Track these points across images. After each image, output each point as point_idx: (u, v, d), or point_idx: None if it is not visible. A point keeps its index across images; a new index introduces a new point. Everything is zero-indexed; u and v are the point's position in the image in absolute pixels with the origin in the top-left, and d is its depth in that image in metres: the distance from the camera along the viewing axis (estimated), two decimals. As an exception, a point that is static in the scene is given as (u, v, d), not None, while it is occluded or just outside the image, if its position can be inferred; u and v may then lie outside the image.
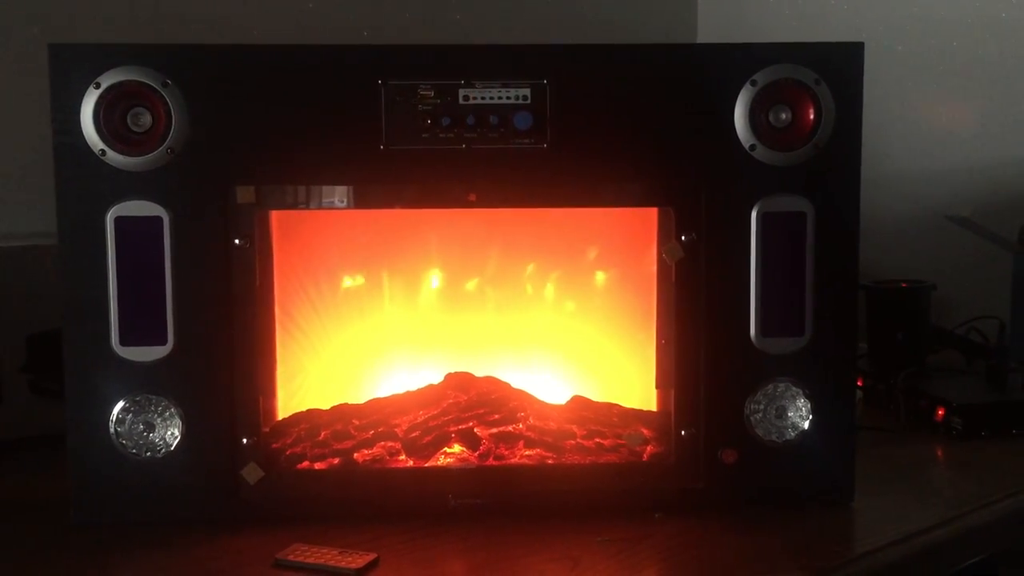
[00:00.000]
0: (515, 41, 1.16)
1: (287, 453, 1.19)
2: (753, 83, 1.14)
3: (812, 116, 1.14)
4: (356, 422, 1.21)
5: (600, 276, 1.31)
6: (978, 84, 1.90)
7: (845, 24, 2.03)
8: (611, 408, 1.25)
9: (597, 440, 1.22)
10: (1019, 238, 1.72)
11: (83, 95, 1.09)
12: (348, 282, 1.30)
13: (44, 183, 1.16)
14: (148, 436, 1.13)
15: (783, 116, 1.15)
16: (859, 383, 1.53)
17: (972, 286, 1.86)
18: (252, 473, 1.15)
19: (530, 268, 1.31)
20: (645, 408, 1.25)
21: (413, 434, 1.20)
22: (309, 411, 1.22)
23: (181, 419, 1.13)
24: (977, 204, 1.86)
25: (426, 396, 1.24)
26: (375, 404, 1.23)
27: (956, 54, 1.92)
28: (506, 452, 1.21)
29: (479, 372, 1.26)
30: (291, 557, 1.04)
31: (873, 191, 1.18)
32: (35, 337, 1.45)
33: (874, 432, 1.47)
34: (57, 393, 1.19)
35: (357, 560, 1.03)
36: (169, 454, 1.13)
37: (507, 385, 1.25)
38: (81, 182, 1.10)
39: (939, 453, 1.44)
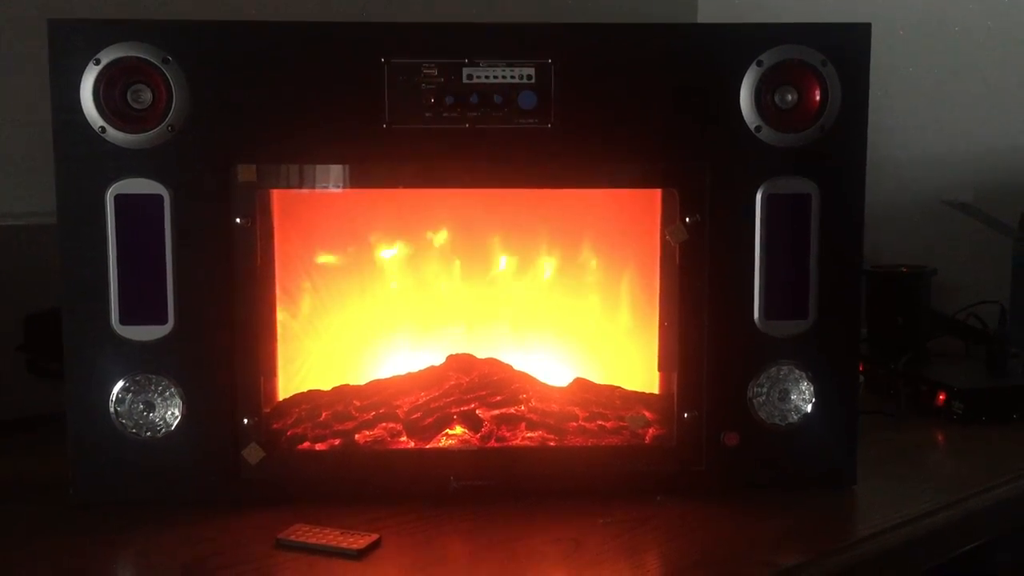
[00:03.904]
0: (511, 20, 1.15)
1: (288, 434, 1.18)
2: (759, 64, 1.13)
3: (818, 98, 1.14)
4: (357, 403, 1.20)
5: (603, 257, 1.30)
6: (979, 68, 1.89)
7: (844, 7, 2.02)
8: (613, 390, 1.24)
9: (599, 422, 1.21)
10: (1019, 224, 1.72)
11: (83, 72, 1.08)
12: (349, 262, 1.29)
13: (40, 161, 1.14)
14: (148, 416, 1.12)
15: (789, 97, 1.14)
16: (859, 368, 1.53)
17: (971, 271, 1.86)
18: (253, 453, 1.14)
19: (532, 249, 1.30)
20: (647, 391, 1.24)
21: (414, 415, 1.20)
22: (310, 392, 1.22)
23: (181, 399, 1.12)
24: (978, 189, 1.86)
25: (428, 377, 1.23)
26: (376, 385, 1.23)
27: (957, 38, 1.91)
28: (508, 434, 1.20)
29: (481, 354, 1.25)
30: (293, 537, 1.03)
31: (874, 175, 1.18)
32: (33, 317, 1.45)
33: (875, 416, 1.47)
34: (55, 373, 1.19)
35: (359, 541, 1.03)
36: (169, 434, 1.13)
37: (509, 367, 1.25)
38: (81, 160, 1.09)
39: (940, 438, 1.44)
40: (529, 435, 1.21)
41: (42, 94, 1.10)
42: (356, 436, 1.19)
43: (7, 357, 1.43)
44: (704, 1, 2.27)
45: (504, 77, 1.12)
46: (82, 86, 1.08)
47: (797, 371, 1.18)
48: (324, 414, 1.19)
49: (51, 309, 1.17)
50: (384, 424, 1.19)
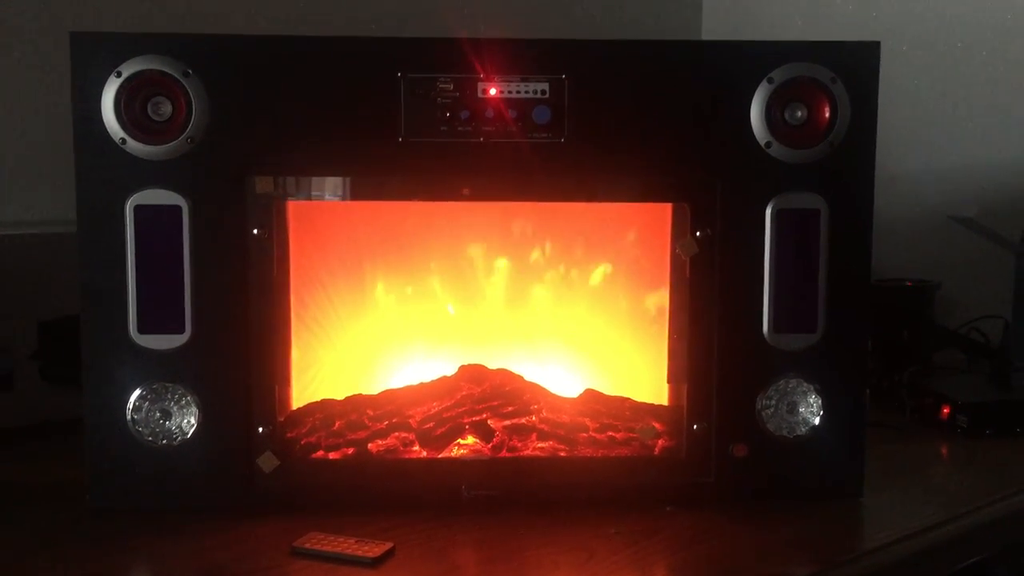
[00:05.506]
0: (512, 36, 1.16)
1: (302, 442, 1.19)
2: (770, 80, 1.15)
3: (828, 114, 1.15)
4: (370, 412, 1.21)
5: (614, 270, 1.32)
6: (983, 85, 1.91)
7: (849, 24, 2.04)
8: (623, 402, 1.25)
9: (609, 433, 1.22)
10: (1023, 239, 1.74)
11: (104, 83, 1.09)
12: (363, 273, 1.30)
13: (55, 171, 1.15)
14: (164, 424, 1.14)
15: (799, 114, 1.15)
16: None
17: (975, 286, 1.87)
18: (267, 462, 1.15)
19: (544, 261, 1.31)
20: (657, 402, 1.25)
21: (427, 425, 1.21)
22: (323, 401, 1.23)
23: (197, 407, 1.14)
24: (981, 205, 1.88)
25: (440, 388, 1.24)
26: (389, 395, 1.24)
27: (961, 55, 1.93)
28: (519, 444, 1.21)
29: (492, 365, 1.26)
30: (308, 545, 1.05)
31: (879, 190, 1.19)
32: (46, 324, 1.46)
33: (880, 429, 1.48)
34: (68, 380, 1.20)
35: (374, 549, 1.04)
36: (185, 442, 1.14)
37: (520, 378, 1.26)
38: (101, 170, 1.11)
39: (944, 451, 1.45)
40: (540, 445, 1.22)
41: (49, 104, 1.11)
42: (369, 445, 1.20)
43: (20, 364, 1.44)
44: (708, 20, 2.29)
45: (519, 92, 1.14)
46: (103, 98, 1.09)
47: (805, 384, 1.19)
48: (337, 423, 1.20)
49: (64, 316, 1.18)
50: (397, 433, 1.20)
